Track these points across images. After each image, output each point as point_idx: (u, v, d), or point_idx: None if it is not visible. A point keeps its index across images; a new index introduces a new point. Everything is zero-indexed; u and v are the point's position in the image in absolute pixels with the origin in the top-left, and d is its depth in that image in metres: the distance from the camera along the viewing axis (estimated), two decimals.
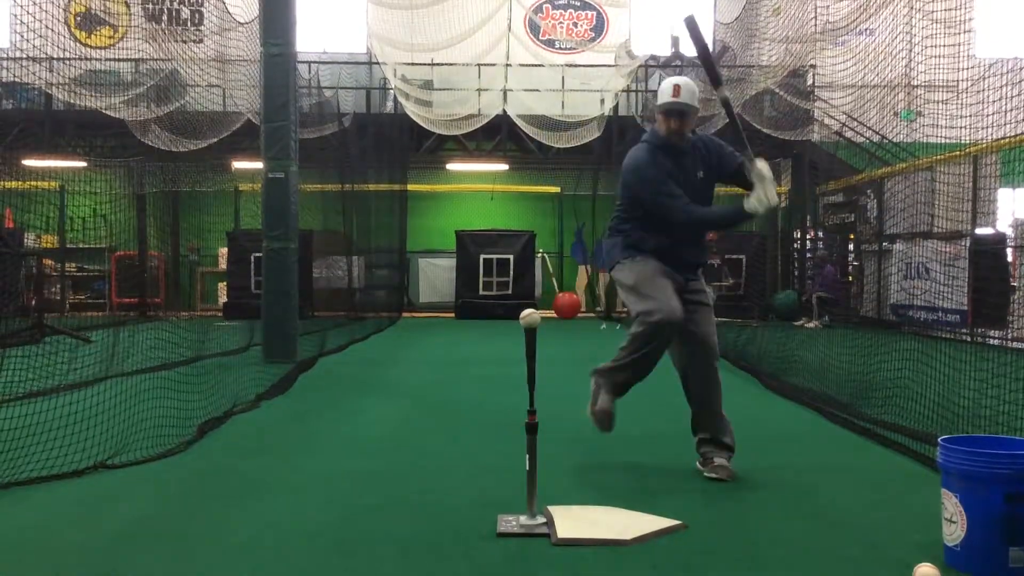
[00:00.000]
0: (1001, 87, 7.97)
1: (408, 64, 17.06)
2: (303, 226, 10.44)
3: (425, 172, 19.46)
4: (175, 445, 4.76)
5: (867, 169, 15.84)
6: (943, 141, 9.76)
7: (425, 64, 17.38)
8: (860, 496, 4.12)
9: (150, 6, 17.47)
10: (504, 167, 19.26)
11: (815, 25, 11.48)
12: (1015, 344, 10.52)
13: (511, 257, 16.93)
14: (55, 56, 13.00)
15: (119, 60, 16.68)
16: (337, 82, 17.15)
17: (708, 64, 4.58)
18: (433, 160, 19.15)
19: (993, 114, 8.17)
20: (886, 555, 3.25)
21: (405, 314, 17.46)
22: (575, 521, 3.57)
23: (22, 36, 6.71)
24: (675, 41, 18.00)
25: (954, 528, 3.08)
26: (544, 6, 20.12)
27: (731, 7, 16.19)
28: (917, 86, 10.63)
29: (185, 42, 16.62)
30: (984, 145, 10.86)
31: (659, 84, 4.60)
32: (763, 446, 5.35)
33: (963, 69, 8.23)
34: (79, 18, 18.43)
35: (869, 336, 8.07)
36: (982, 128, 8.69)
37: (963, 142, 9.80)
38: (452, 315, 17.06)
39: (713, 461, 4.40)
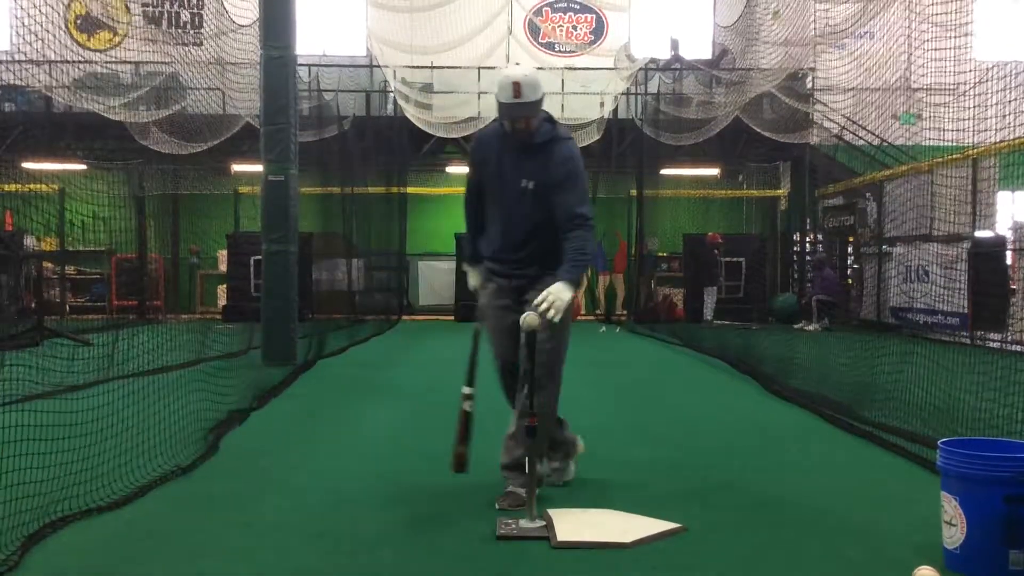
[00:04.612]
0: (1000, 90, 7.98)
1: (408, 67, 17.05)
2: (303, 229, 10.44)
3: (425, 175, 19.45)
4: (181, 451, 4.75)
5: (867, 172, 15.86)
6: (942, 144, 9.77)
7: (425, 67, 17.39)
8: (860, 499, 4.12)
9: (150, 9, 17.49)
10: None
11: (814, 28, 11.50)
12: (1015, 347, 10.52)
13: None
14: (55, 59, 13.02)
15: (119, 63, 16.69)
16: (337, 85, 17.16)
17: None
18: (433, 163, 19.14)
19: (992, 117, 8.19)
20: (886, 557, 3.25)
21: (405, 317, 17.46)
22: (575, 524, 3.57)
23: (22, 39, 6.71)
24: (674, 44, 18.01)
25: (954, 531, 3.08)
26: (544, 9, 20.13)
27: (731, 10, 16.23)
28: (916, 89, 10.66)
29: (185, 45, 16.63)
30: (983, 148, 10.88)
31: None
32: (763, 448, 5.36)
33: (962, 72, 8.25)
34: (79, 21, 18.44)
35: (869, 339, 8.07)
36: (981, 131, 8.71)
37: (962, 145, 9.81)
38: (451, 318, 17.05)
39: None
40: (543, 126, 4.00)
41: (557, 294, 3.78)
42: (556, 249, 3.97)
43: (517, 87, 3.85)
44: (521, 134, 3.96)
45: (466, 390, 3.99)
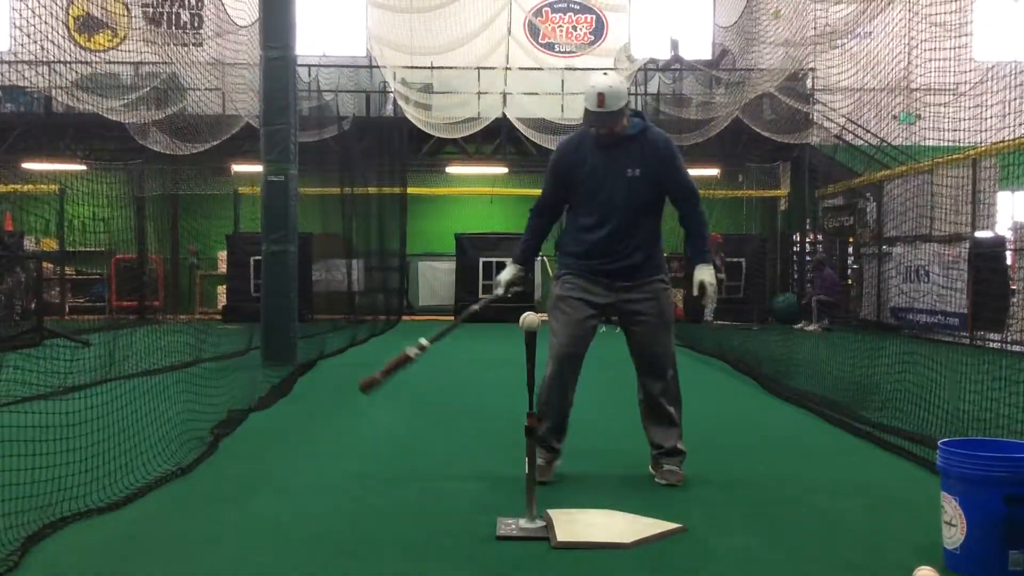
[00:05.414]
0: (1000, 90, 7.99)
1: (408, 67, 17.06)
2: (303, 229, 10.46)
3: (425, 175, 19.44)
4: (178, 450, 4.75)
5: (866, 172, 15.86)
6: (942, 144, 9.77)
7: (425, 67, 17.40)
8: (859, 499, 4.11)
9: (150, 10, 17.48)
10: (504, 170, 19.27)
11: (814, 28, 11.50)
12: (1015, 347, 10.52)
13: (510, 260, 16.89)
14: (55, 60, 13.02)
15: (119, 63, 16.69)
16: (337, 85, 17.16)
17: None
18: (433, 163, 19.14)
19: (992, 117, 8.20)
20: (886, 558, 3.25)
21: (404, 317, 17.46)
22: (574, 524, 3.57)
23: (20, 41, 6.70)
24: (674, 44, 18.01)
25: (954, 531, 3.08)
26: (544, 10, 20.13)
27: (730, 10, 16.22)
28: (916, 89, 10.65)
29: (185, 45, 16.63)
30: (983, 148, 10.88)
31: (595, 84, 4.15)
32: (762, 449, 5.36)
33: (962, 72, 8.25)
34: (79, 21, 18.44)
35: (868, 339, 8.06)
36: (981, 131, 8.71)
37: (962, 145, 9.80)
38: (451, 318, 17.05)
39: (662, 467, 4.38)
40: (632, 120, 4.25)
41: (708, 280, 4.22)
42: (658, 231, 4.32)
43: (601, 98, 4.06)
44: (604, 139, 4.18)
45: (423, 341, 4.15)
